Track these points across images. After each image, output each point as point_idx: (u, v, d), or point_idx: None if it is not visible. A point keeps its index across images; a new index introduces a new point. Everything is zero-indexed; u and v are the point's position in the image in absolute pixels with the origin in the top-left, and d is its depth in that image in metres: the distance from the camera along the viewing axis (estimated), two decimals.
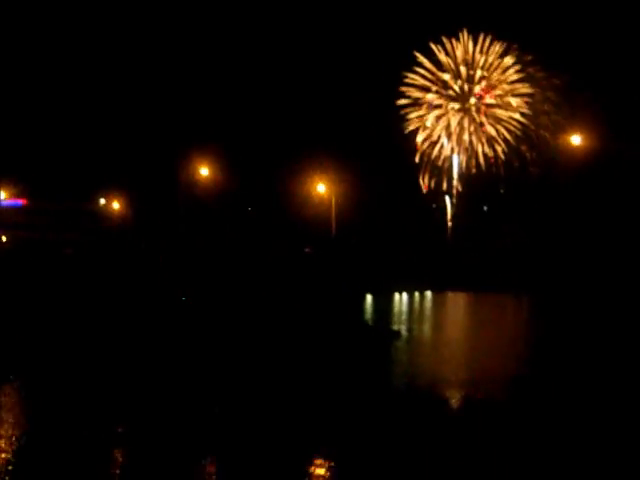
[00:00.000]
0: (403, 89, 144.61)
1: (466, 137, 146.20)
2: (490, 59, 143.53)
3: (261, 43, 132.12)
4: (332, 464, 24.08)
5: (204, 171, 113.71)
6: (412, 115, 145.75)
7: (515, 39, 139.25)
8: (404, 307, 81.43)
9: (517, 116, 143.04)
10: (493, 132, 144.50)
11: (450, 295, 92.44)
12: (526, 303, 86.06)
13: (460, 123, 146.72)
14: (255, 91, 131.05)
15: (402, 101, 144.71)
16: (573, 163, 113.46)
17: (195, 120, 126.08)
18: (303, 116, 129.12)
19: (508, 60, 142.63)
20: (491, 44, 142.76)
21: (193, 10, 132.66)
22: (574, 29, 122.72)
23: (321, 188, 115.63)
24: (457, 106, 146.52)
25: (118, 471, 23.90)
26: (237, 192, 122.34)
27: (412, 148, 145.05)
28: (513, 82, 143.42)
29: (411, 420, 29.46)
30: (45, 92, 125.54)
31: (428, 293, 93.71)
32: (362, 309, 74.09)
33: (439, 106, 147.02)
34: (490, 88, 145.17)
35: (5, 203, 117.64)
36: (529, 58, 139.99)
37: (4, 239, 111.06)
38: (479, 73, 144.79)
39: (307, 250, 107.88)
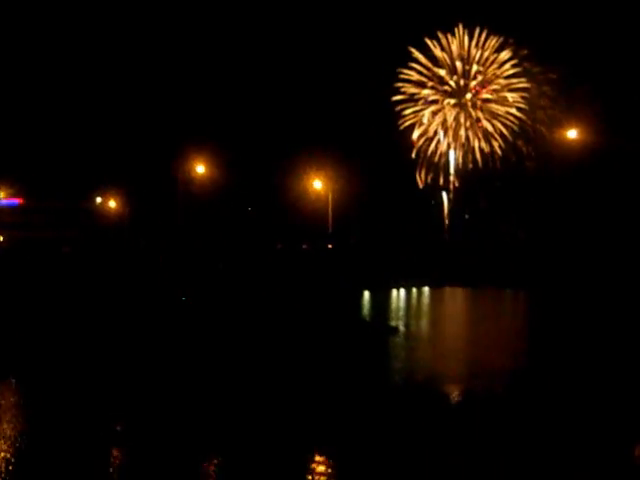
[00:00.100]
0: (399, 85, 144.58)
1: (462, 132, 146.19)
2: (486, 54, 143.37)
3: (257, 41, 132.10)
4: (331, 460, 24.10)
5: (200, 168, 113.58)
6: (408, 111, 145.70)
7: (510, 33, 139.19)
8: (401, 303, 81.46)
9: (513, 111, 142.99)
10: (489, 127, 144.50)
11: (448, 291, 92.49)
12: (523, 298, 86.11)
13: (456, 118, 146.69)
14: (251, 88, 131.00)
15: (398, 97, 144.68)
16: (569, 157, 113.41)
17: (191, 117, 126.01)
18: (299, 113, 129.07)
19: (504, 55, 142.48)
20: (487, 39, 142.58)
21: (190, 7, 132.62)
22: (569, 23, 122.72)
23: (318, 184, 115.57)
24: (453, 101, 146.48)
25: (118, 469, 23.89)
26: (234, 189, 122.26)
27: (408, 144, 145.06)
28: (509, 77, 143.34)
29: (409, 415, 29.48)
30: (42, 91, 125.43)
31: (425, 289, 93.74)
32: (359, 305, 74.10)
33: (435, 102, 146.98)
34: (486, 83, 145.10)
35: (2, 202, 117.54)
36: (525, 52, 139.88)
37: (1, 238, 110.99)
38: (475, 68, 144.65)
39: (304, 246, 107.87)
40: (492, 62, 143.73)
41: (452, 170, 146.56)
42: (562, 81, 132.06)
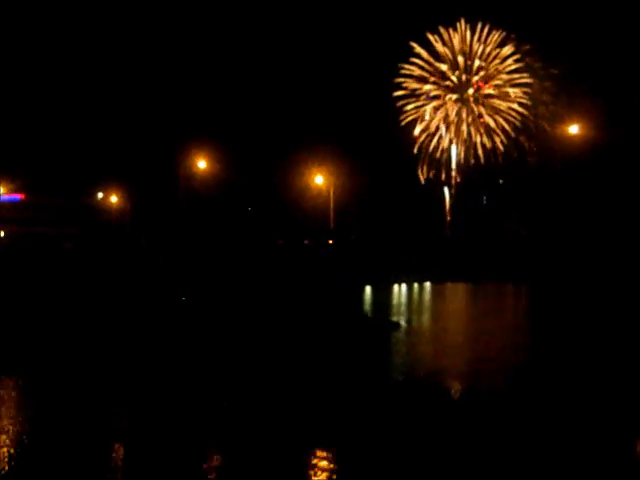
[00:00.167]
0: (400, 80, 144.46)
1: (464, 128, 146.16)
2: (488, 49, 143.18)
3: (259, 37, 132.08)
4: (333, 455, 24.05)
5: (202, 164, 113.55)
6: (410, 106, 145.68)
7: (512, 29, 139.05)
8: (403, 298, 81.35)
9: (515, 106, 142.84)
10: (492, 123, 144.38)
11: (449, 286, 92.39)
12: (525, 293, 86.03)
13: (458, 114, 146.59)
14: (252, 83, 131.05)
15: (399, 92, 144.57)
16: (571, 152, 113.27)
17: (193, 113, 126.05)
18: (300, 108, 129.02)
19: (506, 50, 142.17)
20: (489, 33, 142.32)
21: (192, 5, 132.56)
22: (571, 18, 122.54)
23: (319, 180, 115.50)
24: (455, 97, 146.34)
25: (119, 465, 23.86)
26: (235, 184, 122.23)
27: (410, 139, 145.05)
28: (511, 72, 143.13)
29: (410, 410, 29.43)
30: (43, 87, 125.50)
31: (427, 284, 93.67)
32: (361, 300, 74.02)
33: (437, 97, 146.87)
34: (488, 78, 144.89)
35: (3, 198, 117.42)
36: (527, 48, 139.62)
37: (2, 234, 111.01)
38: (477, 63, 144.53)
39: (306, 242, 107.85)
40: (494, 57, 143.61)
41: (454, 165, 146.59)
42: (564, 77, 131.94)
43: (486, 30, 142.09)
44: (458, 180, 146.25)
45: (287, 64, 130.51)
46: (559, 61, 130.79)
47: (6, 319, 50.30)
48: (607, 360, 39.87)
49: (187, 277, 67.91)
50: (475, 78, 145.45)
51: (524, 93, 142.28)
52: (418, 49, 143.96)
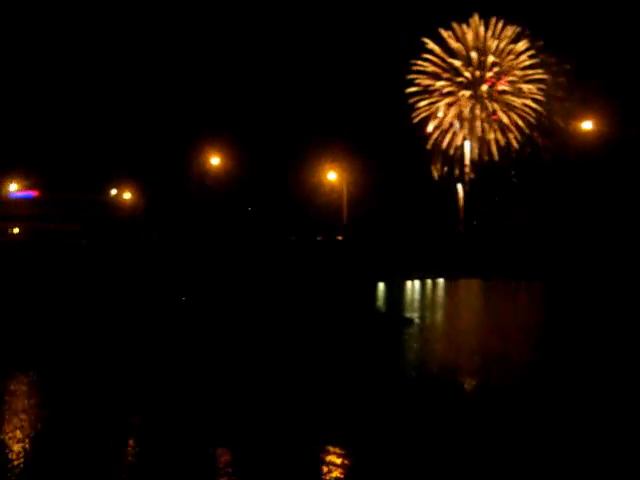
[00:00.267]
0: (413, 76, 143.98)
1: (478, 124, 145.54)
2: (502, 44, 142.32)
3: (272, 32, 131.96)
4: (346, 451, 24.03)
5: (215, 160, 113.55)
6: (423, 103, 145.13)
7: (526, 24, 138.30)
8: (416, 295, 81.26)
9: (529, 102, 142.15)
10: (505, 119, 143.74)
11: (463, 282, 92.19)
12: (539, 290, 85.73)
13: (472, 110, 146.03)
14: (266, 80, 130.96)
15: (412, 89, 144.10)
16: (585, 148, 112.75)
17: (206, 110, 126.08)
18: (313, 105, 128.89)
19: (521, 45, 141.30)
20: (503, 29, 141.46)
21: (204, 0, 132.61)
22: (584, 13, 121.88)
23: (332, 176, 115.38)
24: (469, 93, 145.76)
25: (124, 464, 23.87)
26: (249, 180, 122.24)
27: (423, 136, 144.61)
28: (525, 68, 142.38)
29: (423, 406, 29.37)
30: (57, 83, 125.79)
31: (440, 280, 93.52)
32: (374, 297, 73.99)
33: (450, 93, 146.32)
34: (502, 74, 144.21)
35: (17, 195, 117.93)
36: (541, 44, 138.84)
37: (17, 230, 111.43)
38: (491, 59, 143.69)
39: (319, 238, 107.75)
40: (508, 53, 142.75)
41: (467, 162, 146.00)
42: (577, 72, 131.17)
43: (500, 25, 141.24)
44: (472, 177, 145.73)
45: (301, 60, 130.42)
46: (573, 57, 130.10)
47: (19, 314, 50.55)
48: (620, 355, 39.68)
49: (198, 274, 67.93)
50: (489, 74, 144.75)
51: (538, 89, 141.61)
52: (431, 45, 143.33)
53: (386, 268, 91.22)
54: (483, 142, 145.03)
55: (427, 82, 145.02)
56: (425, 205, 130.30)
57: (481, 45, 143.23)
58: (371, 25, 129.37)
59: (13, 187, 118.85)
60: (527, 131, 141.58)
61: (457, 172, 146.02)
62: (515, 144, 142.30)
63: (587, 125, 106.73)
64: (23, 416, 28.38)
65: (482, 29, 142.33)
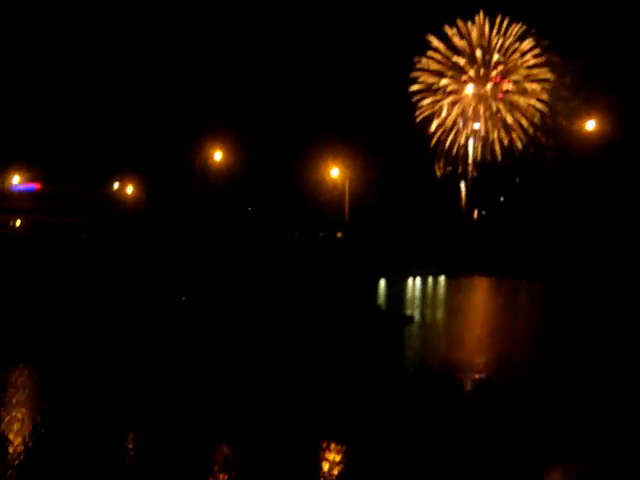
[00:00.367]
0: (417, 74, 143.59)
1: (482, 123, 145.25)
2: (507, 42, 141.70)
3: (275, 29, 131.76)
4: (346, 448, 23.96)
5: (218, 155, 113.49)
6: (427, 101, 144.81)
7: (531, 23, 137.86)
8: (417, 292, 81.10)
9: (534, 102, 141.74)
10: (509, 119, 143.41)
11: (464, 280, 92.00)
12: (540, 289, 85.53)
13: (476, 109, 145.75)
14: (270, 77, 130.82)
15: (416, 87, 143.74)
16: (588, 148, 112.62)
17: (209, 105, 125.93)
18: (316, 102, 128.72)
19: (526, 44, 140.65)
20: (509, 26, 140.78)
21: None
22: (588, 13, 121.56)
23: (335, 173, 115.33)
24: (472, 92, 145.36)
25: (126, 460, 23.78)
26: (251, 176, 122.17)
27: (427, 133, 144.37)
28: (530, 67, 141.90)
29: (423, 403, 29.29)
30: (60, 77, 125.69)
31: (442, 278, 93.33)
32: (375, 293, 73.84)
33: (454, 92, 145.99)
34: (507, 73, 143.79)
35: (19, 188, 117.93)
36: (546, 43, 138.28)
37: (18, 223, 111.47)
38: (496, 57, 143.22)
39: (321, 234, 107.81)
40: (513, 51, 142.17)
41: (470, 160, 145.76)
42: (581, 72, 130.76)
43: (505, 23, 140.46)
44: (474, 175, 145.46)
45: (305, 57, 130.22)
46: (578, 56, 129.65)
47: (19, 306, 50.46)
48: (620, 355, 39.55)
49: (199, 270, 67.74)
50: (493, 73, 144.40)
51: (543, 89, 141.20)
52: (435, 42, 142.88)
53: (387, 265, 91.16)
54: (486, 141, 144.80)
55: (431, 80, 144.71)
56: (427, 203, 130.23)
57: (486, 43, 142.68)
58: (375, 22, 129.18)
59: (15, 180, 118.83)
60: (531, 131, 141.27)
61: (460, 171, 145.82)
62: (519, 143, 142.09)
63: (590, 125, 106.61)
64: (19, 410, 28.31)
65: (487, 27, 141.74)
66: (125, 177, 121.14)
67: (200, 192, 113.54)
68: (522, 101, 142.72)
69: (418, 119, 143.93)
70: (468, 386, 33.55)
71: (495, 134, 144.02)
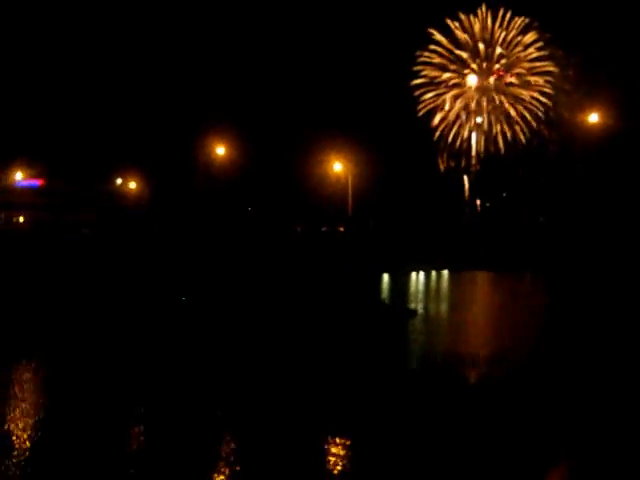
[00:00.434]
0: (420, 68, 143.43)
1: (485, 117, 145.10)
2: (510, 36, 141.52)
3: (277, 24, 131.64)
4: (349, 442, 23.91)
5: (221, 150, 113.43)
6: (429, 95, 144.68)
7: (534, 15, 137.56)
8: (421, 286, 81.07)
9: (537, 95, 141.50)
10: (512, 112, 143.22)
11: (467, 274, 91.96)
12: (543, 283, 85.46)
13: (479, 103, 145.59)
14: (272, 71, 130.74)
15: (418, 80, 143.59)
16: (591, 141, 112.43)
17: (212, 100, 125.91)
18: (318, 96, 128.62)
19: (529, 37, 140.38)
20: (511, 20, 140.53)
21: None
22: (591, 5, 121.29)
23: (338, 167, 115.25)
24: (475, 83, 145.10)
25: (127, 454, 23.75)
26: (254, 171, 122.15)
27: (430, 127, 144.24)
28: (533, 60, 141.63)
29: (427, 398, 29.23)
30: (62, 72, 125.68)
31: (445, 272, 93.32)
32: (379, 288, 73.84)
33: (457, 85, 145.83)
34: (510, 66, 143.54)
35: (22, 184, 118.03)
36: (548, 36, 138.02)
37: (22, 219, 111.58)
38: (498, 50, 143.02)
39: (324, 229, 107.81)
40: (516, 44, 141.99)
41: (473, 154, 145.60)
42: (584, 65, 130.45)
43: (508, 16, 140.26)
44: (477, 168, 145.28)
45: (307, 52, 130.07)
46: (581, 49, 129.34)
47: (22, 303, 50.45)
48: (620, 351, 39.45)
49: (199, 267, 67.60)
50: (496, 66, 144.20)
51: (546, 82, 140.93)
52: (438, 36, 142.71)
53: (390, 259, 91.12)
54: (490, 134, 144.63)
55: (434, 74, 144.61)
56: (430, 197, 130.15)
57: (488, 36, 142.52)
58: (377, 16, 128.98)
59: (18, 176, 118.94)
60: (534, 124, 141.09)
61: (463, 164, 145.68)
62: (522, 137, 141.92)
63: (593, 118, 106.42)
64: (21, 406, 28.30)
65: (490, 20, 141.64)
66: (128, 173, 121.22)
67: (203, 187, 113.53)
68: (525, 94, 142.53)
69: (421, 113, 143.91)
70: (473, 380, 33.48)
71: (498, 127, 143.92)
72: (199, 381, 32.26)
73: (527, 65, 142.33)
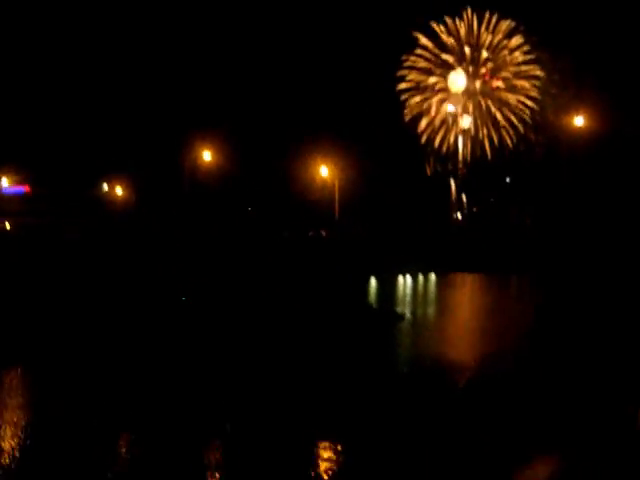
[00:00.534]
0: (405, 72, 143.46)
1: (471, 120, 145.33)
2: (496, 39, 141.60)
3: (262, 28, 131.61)
4: (338, 447, 23.88)
5: (207, 156, 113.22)
6: (415, 99, 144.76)
7: (520, 19, 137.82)
8: (408, 289, 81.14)
9: (523, 99, 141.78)
10: (498, 115, 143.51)
11: (454, 277, 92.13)
12: (529, 285, 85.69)
13: (464, 107, 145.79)
14: (258, 76, 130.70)
15: (404, 85, 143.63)
16: (577, 144, 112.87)
17: (198, 105, 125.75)
18: (304, 100, 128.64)
19: (515, 41, 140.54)
20: (497, 23, 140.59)
21: None
22: (577, 9, 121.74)
23: (324, 171, 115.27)
24: (461, 89, 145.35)
25: (121, 457, 23.66)
26: (241, 176, 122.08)
27: (416, 131, 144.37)
28: (519, 64, 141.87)
29: (414, 401, 29.23)
30: (48, 79, 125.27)
31: (432, 275, 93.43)
32: (366, 291, 73.83)
33: (443, 90, 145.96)
34: (496, 70, 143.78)
35: (8, 190, 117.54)
36: (534, 39, 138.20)
37: (8, 226, 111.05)
38: (484, 54, 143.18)
39: (311, 233, 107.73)
40: (502, 48, 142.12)
41: (460, 158, 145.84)
42: (570, 68, 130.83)
43: (494, 20, 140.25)
44: (464, 172, 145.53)
45: (292, 56, 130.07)
46: (566, 53, 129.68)
47: (11, 309, 50.16)
48: (607, 353, 39.54)
49: (190, 270, 67.45)
50: (482, 70, 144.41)
51: (532, 86, 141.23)
52: (423, 40, 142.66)
53: (377, 263, 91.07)
54: (476, 139, 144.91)
55: (419, 78, 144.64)
56: (417, 201, 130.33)
57: (474, 40, 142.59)
58: (363, 20, 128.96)
59: (4, 182, 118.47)
60: (520, 128, 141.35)
61: (450, 168, 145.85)
62: (508, 141, 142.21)
63: (579, 121, 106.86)
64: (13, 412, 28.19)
65: (476, 23, 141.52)
66: (114, 178, 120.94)
67: (190, 192, 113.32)
68: (511, 98, 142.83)
69: (407, 118, 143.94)
70: (461, 383, 33.48)
71: (485, 131, 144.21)
72: (193, 383, 32.20)
73: (513, 69, 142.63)
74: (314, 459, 22.83)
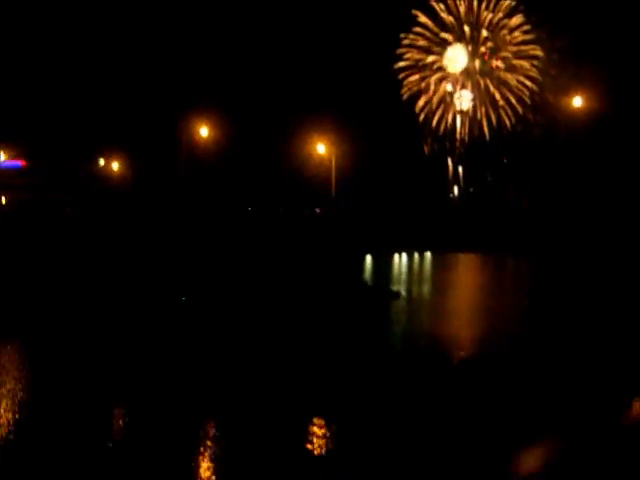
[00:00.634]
0: (404, 51, 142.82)
1: (470, 99, 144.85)
2: (496, 18, 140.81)
3: (261, 5, 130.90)
4: (332, 424, 23.92)
5: (204, 131, 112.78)
6: (414, 77, 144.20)
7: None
8: (404, 268, 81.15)
9: (522, 79, 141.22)
10: (497, 95, 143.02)
11: (450, 256, 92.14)
12: (526, 265, 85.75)
13: (464, 86, 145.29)
14: (256, 52, 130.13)
15: (402, 63, 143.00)
16: (576, 124, 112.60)
17: (196, 81, 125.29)
18: (303, 78, 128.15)
19: (515, 20, 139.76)
20: (497, 2, 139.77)
21: None
22: None
23: (321, 149, 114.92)
24: (460, 68, 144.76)
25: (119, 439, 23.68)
26: (238, 152, 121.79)
27: (414, 110, 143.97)
28: (519, 43, 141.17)
29: (410, 378, 29.28)
30: (44, 53, 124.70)
31: (428, 254, 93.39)
32: (362, 269, 73.84)
33: (441, 68, 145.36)
34: (495, 49, 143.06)
35: (4, 164, 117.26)
36: (534, 19, 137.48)
37: (4, 200, 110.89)
38: (484, 33, 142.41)
39: (307, 211, 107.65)
40: (502, 27, 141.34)
41: (458, 137, 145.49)
42: (570, 48, 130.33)
43: None
44: (462, 151, 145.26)
45: (291, 33, 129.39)
46: (565, 32, 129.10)
47: (6, 285, 50.03)
48: (603, 332, 39.63)
49: (187, 252, 67.18)
50: (482, 49, 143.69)
51: (532, 66, 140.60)
52: (423, 18, 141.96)
53: (373, 241, 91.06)
54: (474, 118, 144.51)
55: (418, 57, 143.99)
56: (415, 180, 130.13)
57: (474, 19, 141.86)
58: None
59: (1, 157, 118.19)
60: (519, 108, 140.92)
61: (447, 147, 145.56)
62: (506, 121, 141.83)
63: (578, 102, 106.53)
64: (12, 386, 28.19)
65: (476, 2, 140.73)
66: (111, 154, 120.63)
67: (186, 168, 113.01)
68: (510, 78, 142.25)
69: (405, 96, 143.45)
70: (455, 361, 33.54)
71: (483, 111, 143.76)
72: (189, 372, 32.09)
73: (513, 49, 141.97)
74: (308, 436, 22.86)
